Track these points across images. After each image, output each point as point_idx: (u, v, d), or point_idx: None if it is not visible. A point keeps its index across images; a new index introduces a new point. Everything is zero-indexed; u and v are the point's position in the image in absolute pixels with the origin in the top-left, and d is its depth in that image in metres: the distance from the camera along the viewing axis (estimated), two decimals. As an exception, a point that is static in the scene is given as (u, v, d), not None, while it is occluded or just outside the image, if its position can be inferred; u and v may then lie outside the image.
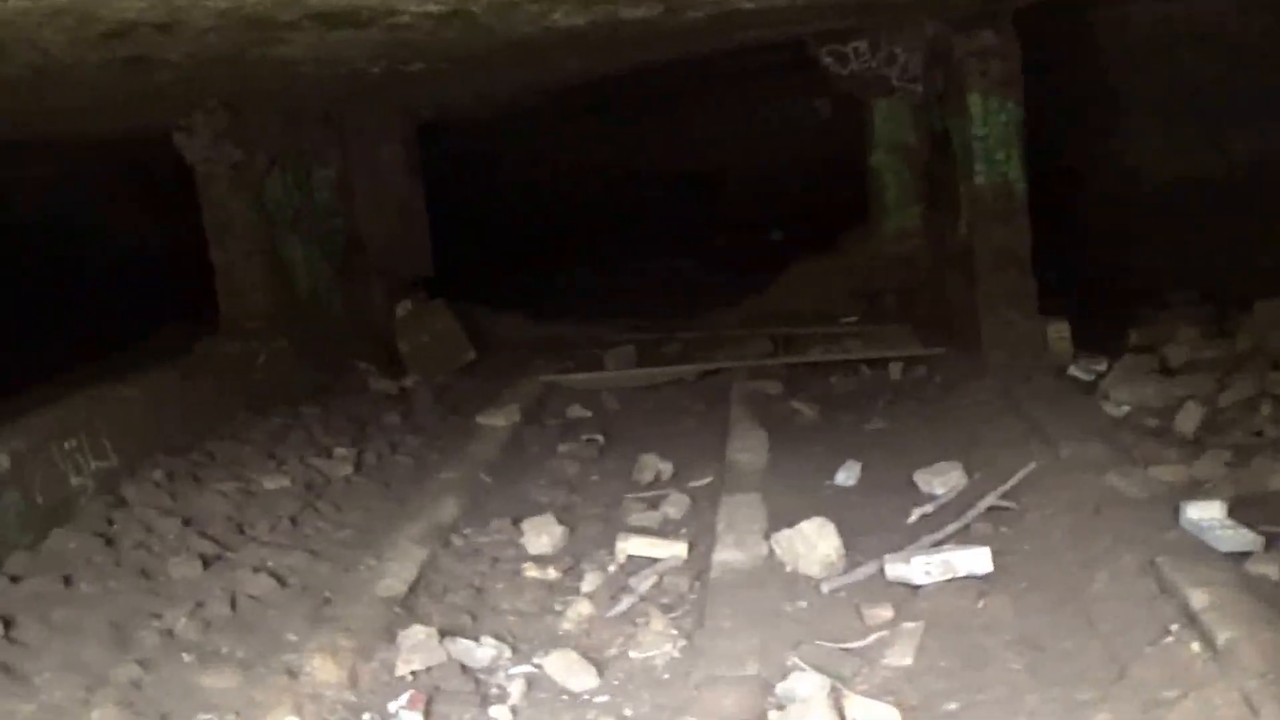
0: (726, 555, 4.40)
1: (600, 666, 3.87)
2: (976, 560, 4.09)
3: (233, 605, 4.44)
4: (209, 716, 3.68)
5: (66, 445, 5.37)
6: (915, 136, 8.67)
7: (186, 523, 5.25)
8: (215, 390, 6.79)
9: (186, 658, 4.04)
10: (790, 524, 4.46)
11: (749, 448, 5.83)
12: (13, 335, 8.90)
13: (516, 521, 5.29)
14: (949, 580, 4.03)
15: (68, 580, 4.63)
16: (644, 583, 4.50)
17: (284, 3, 4.10)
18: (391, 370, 8.41)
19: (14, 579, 4.61)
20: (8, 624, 4.20)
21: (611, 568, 4.75)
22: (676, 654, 3.91)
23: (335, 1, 4.20)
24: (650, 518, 5.32)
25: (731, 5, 5.41)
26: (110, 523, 5.23)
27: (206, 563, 4.82)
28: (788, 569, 4.33)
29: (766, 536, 4.51)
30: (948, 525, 4.51)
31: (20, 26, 3.88)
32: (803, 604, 4.09)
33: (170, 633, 4.20)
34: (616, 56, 7.29)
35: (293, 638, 4.20)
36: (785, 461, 5.68)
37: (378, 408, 7.57)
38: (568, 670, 3.81)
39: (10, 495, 4.93)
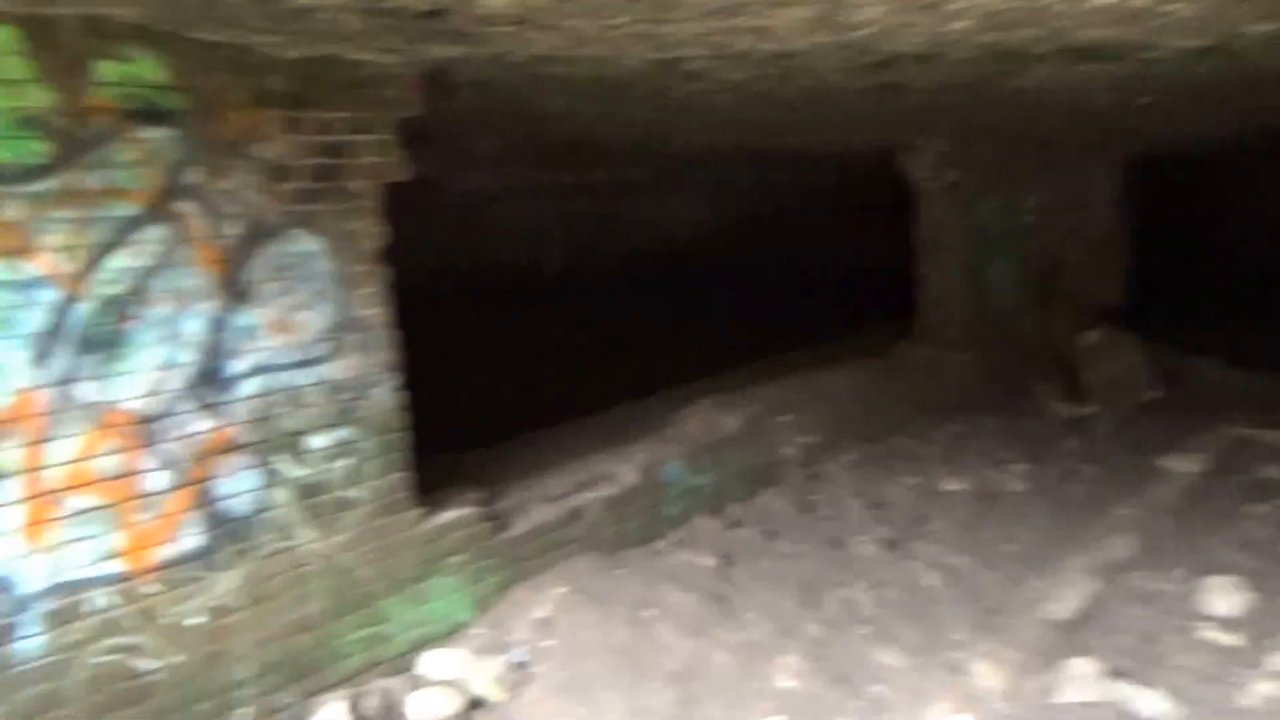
0: None
1: (1286, 756, 3.63)
2: None
3: (907, 592, 4.85)
4: (879, 688, 4.10)
5: (781, 419, 6.19)
6: None
7: (871, 506, 5.81)
8: (905, 390, 7.31)
9: (862, 630, 4.52)
10: None
11: None
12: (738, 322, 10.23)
13: (1195, 576, 5.06)
14: None
15: (771, 535, 5.40)
16: (1343, 677, 4.09)
17: (1043, 37, 4.21)
18: (1070, 396, 8.35)
19: (731, 524, 5.47)
20: (724, 561, 5.02)
21: (1306, 650, 4.37)
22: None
23: (1095, 36, 4.19)
24: (1360, 606, 4.77)
25: None
26: (807, 493, 5.96)
27: (885, 546, 5.31)
28: None
29: None
30: None
31: (807, 56, 4.45)
32: None
33: (850, 603, 4.73)
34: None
35: (956, 637, 4.50)
36: None
37: (1053, 431, 7.59)
38: (1251, 750, 3.62)
39: (733, 453, 5.85)
